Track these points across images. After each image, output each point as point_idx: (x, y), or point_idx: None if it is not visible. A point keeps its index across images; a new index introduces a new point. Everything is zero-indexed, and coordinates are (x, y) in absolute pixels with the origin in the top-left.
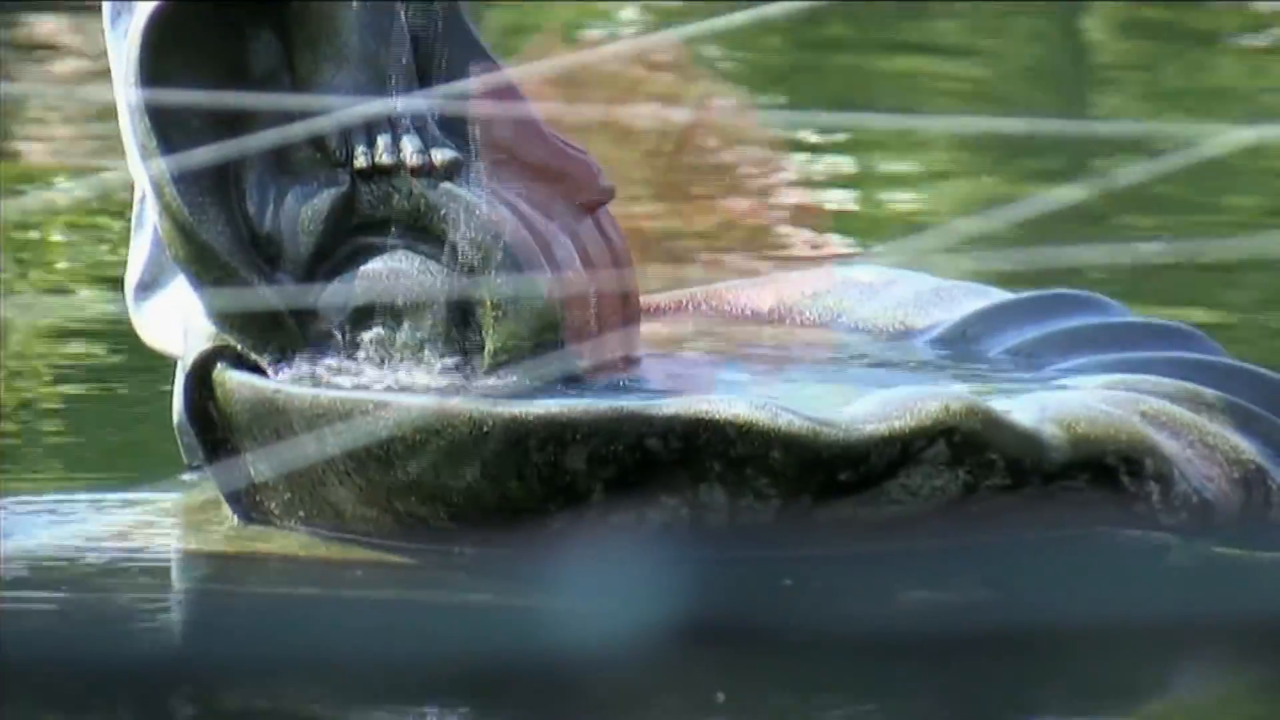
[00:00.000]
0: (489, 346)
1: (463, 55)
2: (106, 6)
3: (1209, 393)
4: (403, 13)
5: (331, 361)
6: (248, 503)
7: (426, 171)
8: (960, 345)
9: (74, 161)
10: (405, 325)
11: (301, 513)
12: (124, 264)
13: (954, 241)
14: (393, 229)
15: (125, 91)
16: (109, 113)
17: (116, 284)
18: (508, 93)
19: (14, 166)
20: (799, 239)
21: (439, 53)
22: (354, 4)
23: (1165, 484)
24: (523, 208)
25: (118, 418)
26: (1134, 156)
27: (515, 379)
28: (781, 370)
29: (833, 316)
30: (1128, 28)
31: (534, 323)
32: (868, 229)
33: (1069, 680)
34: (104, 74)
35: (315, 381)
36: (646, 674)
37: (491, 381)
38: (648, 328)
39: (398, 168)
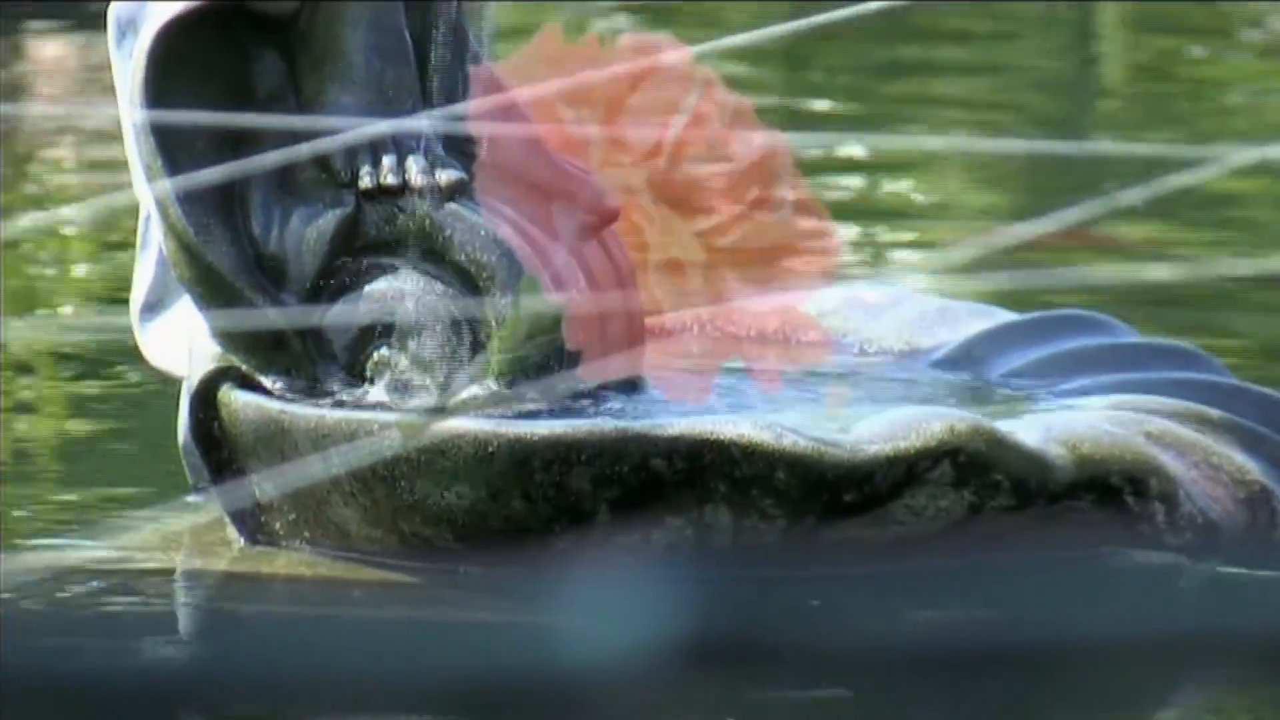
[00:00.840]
0: (494, 367)
1: (461, 66)
2: (111, 26)
3: (1214, 413)
4: (407, 32)
5: (336, 382)
6: (253, 523)
7: (432, 192)
8: (965, 366)
9: (79, 181)
10: (410, 345)
11: (306, 533)
12: (129, 284)
13: (960, 261)
14: (398, 250)
15: (130, 112)
16: (114, 133)
17: (121, 304)
18: (512, 112)
19: (18, 186)
20: (804, 258)
21: (440, 62)
22: (359, 25)
23: (1170, 504)
24: (527, 228)
25: (123, 439)
26: (1140, 176)
27: (520, 398)
28: (786, 390)
29: (838, 336)
30: (1138, 40)
31: (539, 343)
32: (873, 251)
33: (1074, 700)
34: (109, 93)
35: (320, 402)
36: (652, 694)
37: (496, 401)
38: (653, 347)
39: (403, 188)
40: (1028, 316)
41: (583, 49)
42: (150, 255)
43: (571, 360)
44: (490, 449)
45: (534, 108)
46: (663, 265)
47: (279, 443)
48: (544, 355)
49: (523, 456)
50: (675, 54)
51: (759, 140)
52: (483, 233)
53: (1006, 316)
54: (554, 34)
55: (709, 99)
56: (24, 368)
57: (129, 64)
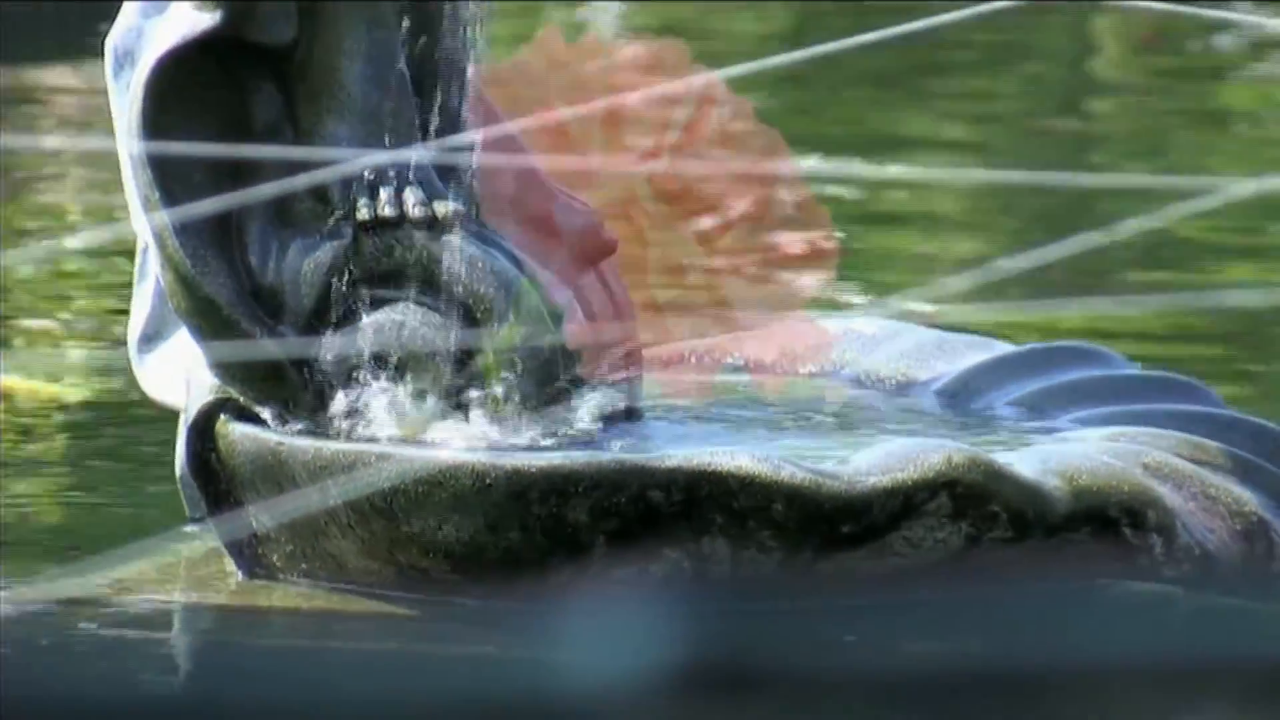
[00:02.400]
0: (492, 398)
1: (458, 97)
2: (108, 58)
3: (1211, 445)
4: (404, 64)
5: (334, 414)
6: (250, 555)
7: (429, 224)
8: (962, 397)
9: (75, 213)
10: (408, 377)
11: (304, 565)
12: (127, 316)
13: (956, 293)
14: (395, 281)
15: (128, 143)
16: (111, 164)
17: (119, 336)
18: (509, 143)
19: (16, 217)
20: (802, 290)
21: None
22: (356, 57)
23: (1168, 536)
24: (522, 258)
25: (119, 470)
26: (1136, 207)
27: (518, 431)
28: (783, 422)
29: (835, 368)
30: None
31: (537, 374)
32: (871, 280)
33: None
34: (106, 124)
35: (318, 434)
36: None
37: (494, 433)
38: (650, 379)
39: (400, 220)
40: (1025, 348)
41: (583, 49)
42: (147, 287)
43: (570, 361)
44: (488, 481)
45: (534, 113)
46: (662, 267)
47: (276, 474)
48: (543, 357)
49: (520, 488)
50: (675, 52)
51: (759, 141)
52: (480, 264)
53: (1004, 348)
54: (554, 34)
55: (709, 100)
56: (21, 397)
57: (126, 96)
